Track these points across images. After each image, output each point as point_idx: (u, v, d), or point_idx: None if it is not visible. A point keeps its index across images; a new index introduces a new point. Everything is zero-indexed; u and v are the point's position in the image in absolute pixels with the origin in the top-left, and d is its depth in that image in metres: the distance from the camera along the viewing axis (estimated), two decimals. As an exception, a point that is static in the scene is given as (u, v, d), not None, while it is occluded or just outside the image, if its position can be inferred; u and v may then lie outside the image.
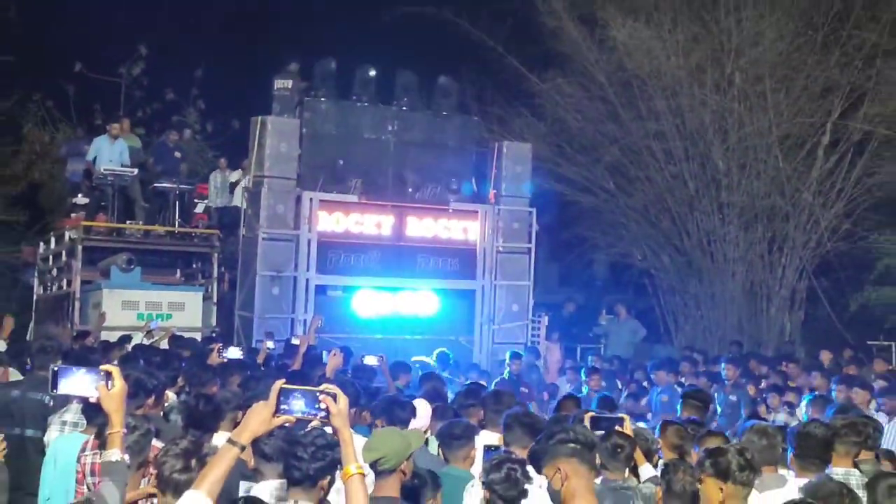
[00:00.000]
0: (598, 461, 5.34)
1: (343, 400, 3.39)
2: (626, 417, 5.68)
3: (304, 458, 3.73)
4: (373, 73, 14.46)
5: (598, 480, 5.26)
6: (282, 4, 22.97)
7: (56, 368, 3.74)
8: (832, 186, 17.91)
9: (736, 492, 4.14)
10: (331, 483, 3.82)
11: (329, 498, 4.00)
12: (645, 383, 11.92)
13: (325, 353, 9.76)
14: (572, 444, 3.75)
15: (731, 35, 17.53)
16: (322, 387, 3.43)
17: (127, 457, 3.55)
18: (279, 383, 3.38)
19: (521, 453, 5.08)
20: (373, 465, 4.23)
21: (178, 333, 11.56)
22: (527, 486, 4.51)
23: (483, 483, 4.17)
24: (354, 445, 3.50)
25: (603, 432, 5.38)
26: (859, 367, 12.83)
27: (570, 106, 18.90)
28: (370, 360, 9.28)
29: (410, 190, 14.38)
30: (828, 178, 17.95)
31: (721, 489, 4.16)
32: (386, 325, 13.96)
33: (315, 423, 3.59)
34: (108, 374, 3.58)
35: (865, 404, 9.01)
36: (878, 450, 6.30)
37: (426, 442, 5.65)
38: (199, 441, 3.79)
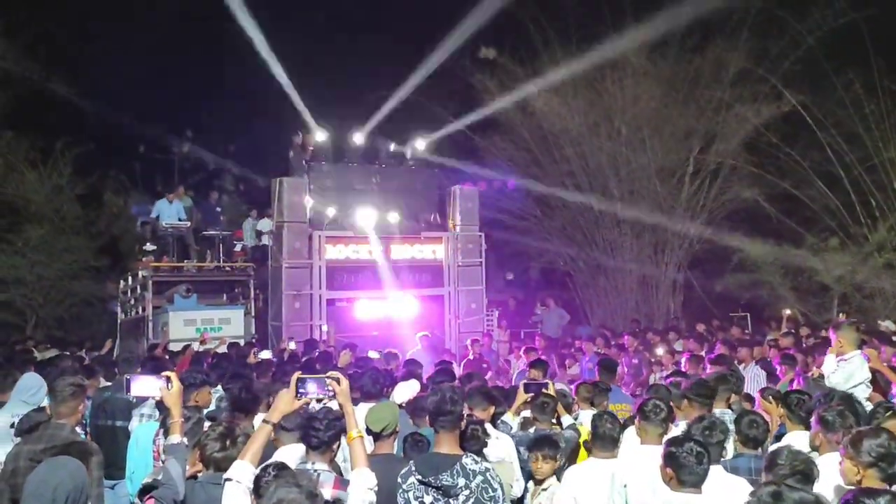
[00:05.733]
0: (530, 414, 5.43)
1: (345, 382, 3.37)
2: (550, 382, 5.73)
3: (320, 428, 3.70)
4: (359, 142, 14.46)
5: (531, 430, 5.30)
6: (288, 94, 22.88)
7: (128, 377, 3.72)
8: (697, 203, 18.10)
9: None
10: (338, 447, 3.80)
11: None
12: (573, 351, 11.90)
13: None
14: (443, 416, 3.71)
15: (617, 98, 17.72)
16: (328, 373, 3.42)
17: (185, 440, 3.51)
18: (297, 374, 3.37)
19: (481, 416, 5.08)
20: (380, 432, 4.19)
21: (233, 341, 11.53)
22: (486, 439, 4.52)
23: None
24: (355, 416, 3.49)
25: (533, 393, 5.43)
26: (724, 332, 12.98)
27: (503, 156, 19.00)
28: (372, 354, 9.58)
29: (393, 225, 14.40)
30: (693, 197, 18.14)
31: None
32: (380, 325, 13.86)
33: (325, 400, 3.56)
34: (168, 379, 3.55)
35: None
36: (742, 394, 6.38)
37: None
38: (232, 426, 3.72)
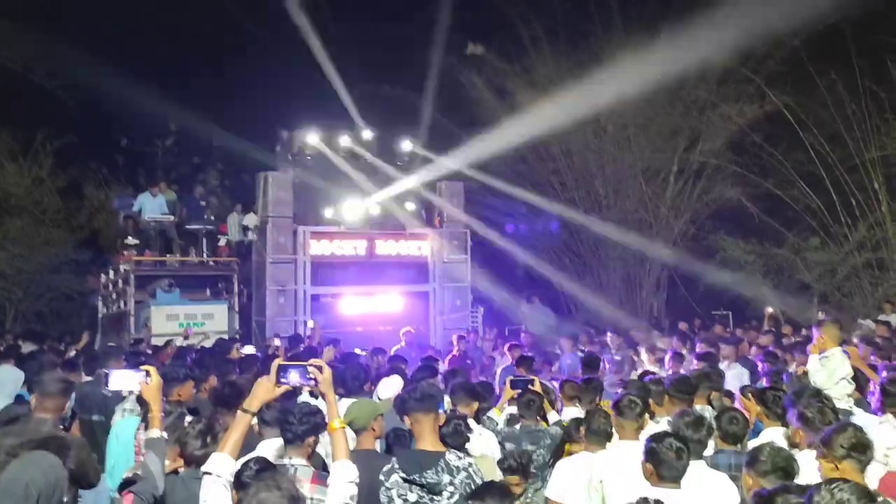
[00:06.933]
0: (516, 411, 5.42)
1: (327, 371, 3.25)
2: (536, 378, 5.73)
3: (294, 423, 3.70)
4: (344, 137, 14.38)
5: (517, 426, 5.30)
6: (274, 86, 22.71)
7: (106, 371, 3.68)
8: (681, 202, 18.21)
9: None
10: (315, 442, 3.78)
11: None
12: (557, 351, 11.90)
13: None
14: (416, 401, 3.74)
15: (603, 97, 17.72)
16: (310, 361, 3.35)
17: (165, 434, 3.47)
18: (278, 361, 3.30)
19: (464, 411, 5.08)
20: (350, 426, 4.20)
21: (220, 337, 11.46)
22: (469, 434, 4.52)
23: None
24: (337, 407, 3.44)
25: (520, 390, 5.42)
26: (706, 331, 13.06)
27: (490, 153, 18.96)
28: (359, 352, 9.62)
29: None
30: (678, 196, 18.27)
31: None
32: (365, 321, 13.82)
33: (307, 388, 3.49)
34: (147, 373, 3.52)
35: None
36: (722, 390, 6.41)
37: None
38: (212, 422, 3.68)
